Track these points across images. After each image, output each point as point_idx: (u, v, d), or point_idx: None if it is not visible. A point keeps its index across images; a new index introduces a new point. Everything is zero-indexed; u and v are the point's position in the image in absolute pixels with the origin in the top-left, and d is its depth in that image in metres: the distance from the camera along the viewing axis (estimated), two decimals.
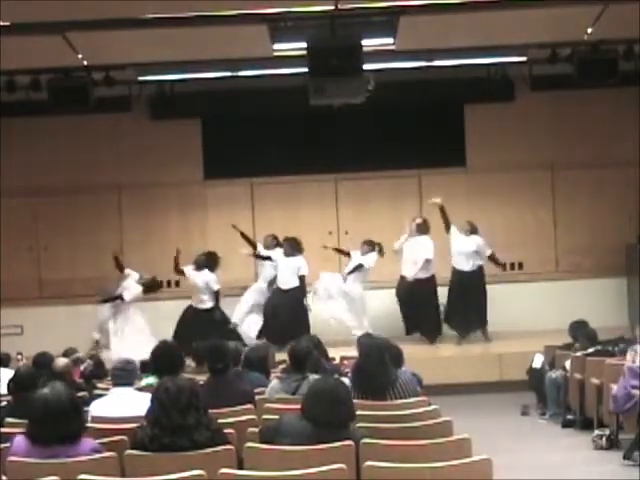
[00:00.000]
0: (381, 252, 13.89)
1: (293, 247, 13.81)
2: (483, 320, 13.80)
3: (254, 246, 14.08)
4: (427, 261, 13.64)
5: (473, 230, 13.75)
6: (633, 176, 14.69)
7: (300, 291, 13.76)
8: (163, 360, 7.19)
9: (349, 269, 13.97)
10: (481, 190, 15.07)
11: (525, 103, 14.92)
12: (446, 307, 13.85)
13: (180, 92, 14.39)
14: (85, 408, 6.68)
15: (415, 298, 13.71)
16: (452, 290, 13.82)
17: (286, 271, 13.76)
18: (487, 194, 15.07)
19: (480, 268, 13.74)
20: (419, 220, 13.87)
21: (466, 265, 13.71)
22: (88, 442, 5.09)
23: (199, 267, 13.73)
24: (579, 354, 10.11)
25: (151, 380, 7.68)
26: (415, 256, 13.71)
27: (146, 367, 8.66)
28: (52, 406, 4.98)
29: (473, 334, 13.84)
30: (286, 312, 13.55)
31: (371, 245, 13.96)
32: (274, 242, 14.09)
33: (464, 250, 13.65)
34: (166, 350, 7.52)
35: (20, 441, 5.06)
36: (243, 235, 14.02)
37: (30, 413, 5.12)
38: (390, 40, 11.03)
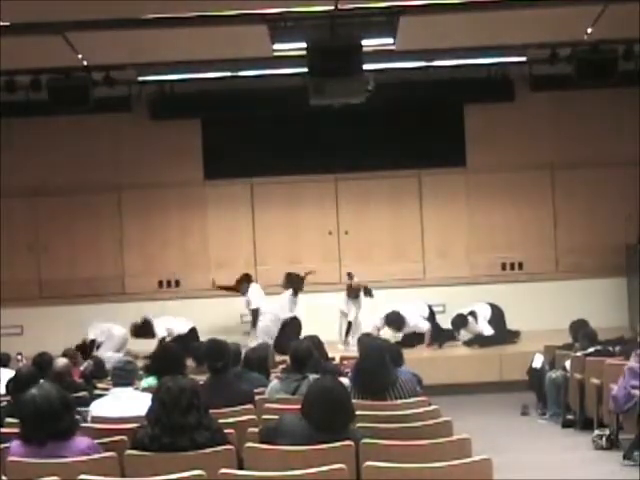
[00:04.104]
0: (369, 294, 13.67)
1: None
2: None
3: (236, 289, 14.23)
4: None
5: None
6: (633, 176, 14.66)
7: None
8: (164, 361, 7.18)
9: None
10: (481, 190, 15.06)
11: (525, 103, 14.90)
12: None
13: (180, 92, 14.37)
14: (85, 408, 6.70)
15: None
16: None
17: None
18: (487, 194, 15.06)
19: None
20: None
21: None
22: (83, 440, 5.10)
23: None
24: (579, 354, 10.11)
25: (151, 380, 7.68)
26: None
27: (149, 368, 8.67)
28: (40, 405, 5.00)
29: None
30: None
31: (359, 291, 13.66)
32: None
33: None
34: (167, 351, 7.51)
35: (16, 446, 5.08)
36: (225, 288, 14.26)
37: (21, 413, 5.15)
38: (390, 40, 11.02)
